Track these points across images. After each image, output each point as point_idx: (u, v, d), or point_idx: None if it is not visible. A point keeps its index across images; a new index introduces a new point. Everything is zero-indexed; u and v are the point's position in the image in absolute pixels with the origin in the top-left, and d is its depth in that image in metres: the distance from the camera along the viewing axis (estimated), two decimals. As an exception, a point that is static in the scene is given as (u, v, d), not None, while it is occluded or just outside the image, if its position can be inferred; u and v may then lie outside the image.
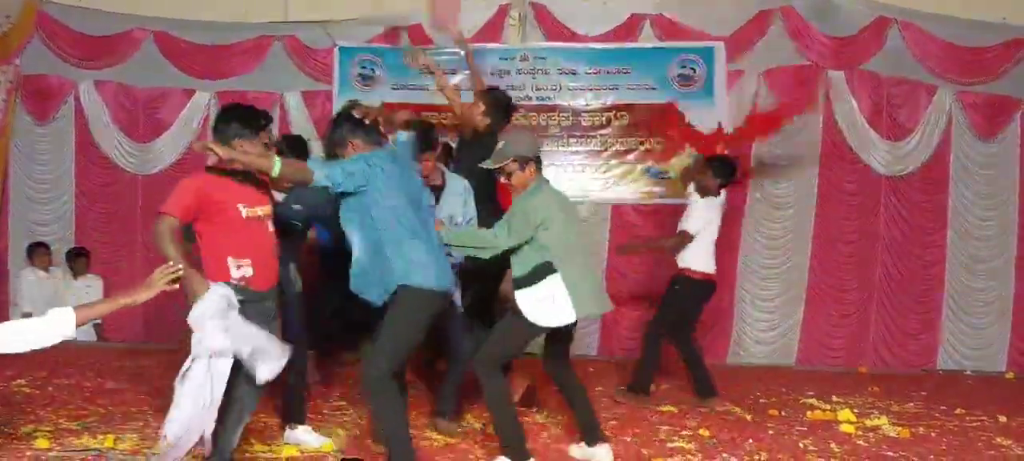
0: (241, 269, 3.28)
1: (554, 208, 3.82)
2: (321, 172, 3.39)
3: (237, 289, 3.24)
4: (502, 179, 3.95)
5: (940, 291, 7.26)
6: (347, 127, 3.68)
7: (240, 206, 3.31)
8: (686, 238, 5.37)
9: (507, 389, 3.90)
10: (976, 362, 7.26)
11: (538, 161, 3.90)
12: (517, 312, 3.78)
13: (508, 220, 3.81)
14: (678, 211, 5.72)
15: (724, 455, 4.18)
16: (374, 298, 3.52)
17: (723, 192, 5.54)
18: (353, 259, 3.55)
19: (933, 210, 7.24)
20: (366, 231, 3.48)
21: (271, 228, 3.48)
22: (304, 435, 4.16)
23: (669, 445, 4.33)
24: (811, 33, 7.19)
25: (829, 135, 7.21)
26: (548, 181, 3.98)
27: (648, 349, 5.39)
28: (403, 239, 3.46)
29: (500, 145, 3.95)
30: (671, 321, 5.38)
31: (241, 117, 3.43)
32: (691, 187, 5.59)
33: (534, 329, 3.80)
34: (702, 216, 5.40)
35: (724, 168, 5.52)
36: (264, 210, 3.43)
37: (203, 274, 3.23)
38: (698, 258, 5.37)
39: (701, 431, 4.60)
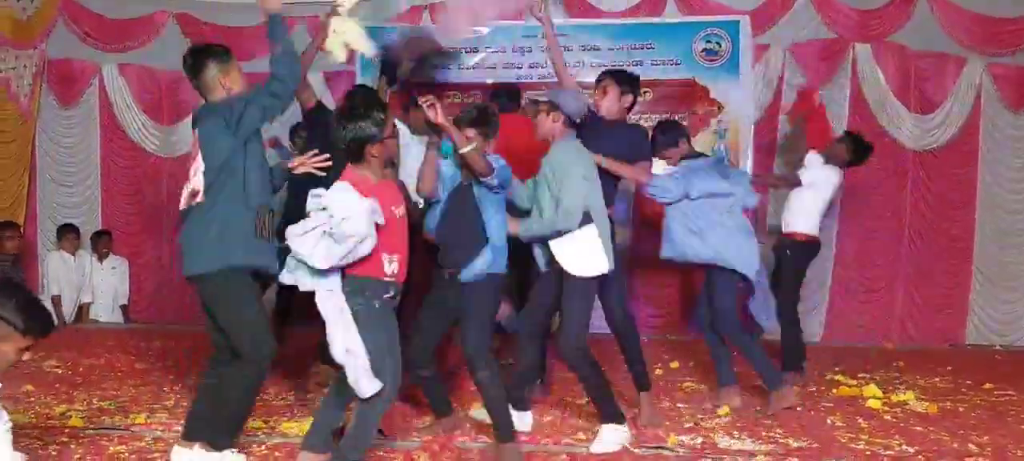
0: (392, 264, 3.28)
1: None
2: (499, 167, 3.66)
3: (389, 284, 3.27)
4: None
5: (968, 265, 7.17)
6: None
7: (392, 208, 3.27)
8: (794, 181, 5.54)
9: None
10: (1005, 337, 7.18)
11: None
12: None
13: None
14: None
15: (735, 432, 4.15)
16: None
17: (841, 171, 5.63)
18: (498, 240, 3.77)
19: (961, 183, 7.14)
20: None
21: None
22: None
23: (687, 425, 4.30)
24: (837, 6, 7.07)
25: (856, 109, 7.11)
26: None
27: (786, 329, 5.37)
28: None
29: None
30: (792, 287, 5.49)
31: None
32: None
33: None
34: (816, 173, 5.50)
35: (858, 146, 5.63)
36: (401, 210, 3.36)
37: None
38: (801, 220, 5.48)
39: (721, 411, 4.57)
